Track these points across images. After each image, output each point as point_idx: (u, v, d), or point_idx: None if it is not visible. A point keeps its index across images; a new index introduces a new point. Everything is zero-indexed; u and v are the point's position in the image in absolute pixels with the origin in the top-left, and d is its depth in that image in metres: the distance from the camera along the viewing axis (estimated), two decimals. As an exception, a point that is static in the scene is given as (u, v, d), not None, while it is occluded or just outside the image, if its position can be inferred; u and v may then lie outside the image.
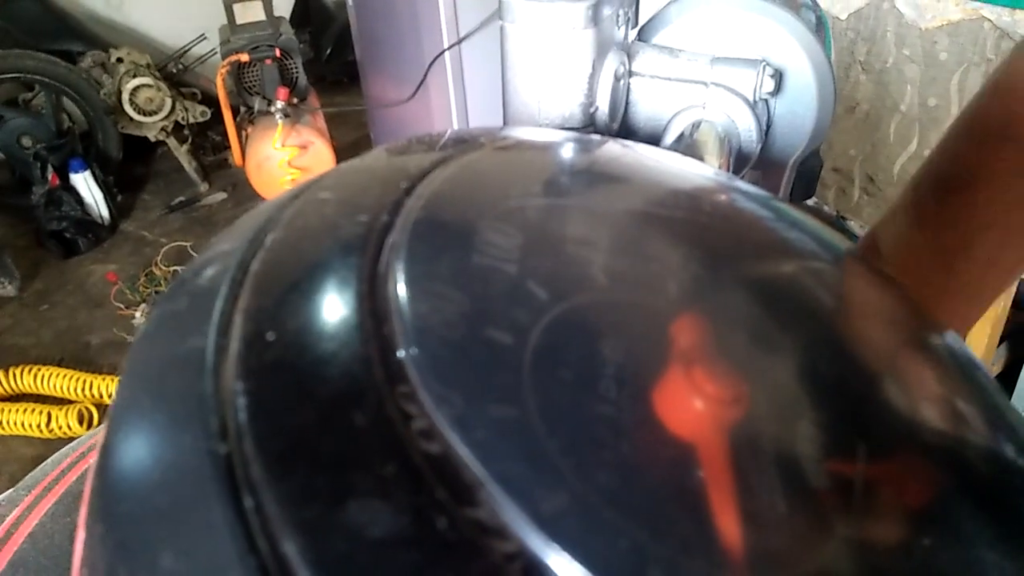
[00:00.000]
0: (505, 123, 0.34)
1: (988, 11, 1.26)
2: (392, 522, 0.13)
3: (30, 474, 0.37)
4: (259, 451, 0.14)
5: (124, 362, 0.18)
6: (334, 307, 0.16)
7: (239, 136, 2.54)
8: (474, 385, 0.15)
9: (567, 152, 0.25)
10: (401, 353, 0.15)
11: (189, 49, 2.79)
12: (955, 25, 1.31)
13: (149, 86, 2.52)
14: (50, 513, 0.32)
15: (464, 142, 0.23)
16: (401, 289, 0.16)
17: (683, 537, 0.14)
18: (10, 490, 0.37)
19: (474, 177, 0.22)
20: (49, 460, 0.37)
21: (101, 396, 1.82)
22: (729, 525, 0.15)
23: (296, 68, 2.53)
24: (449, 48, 2.10)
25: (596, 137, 0.27)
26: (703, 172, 0.25)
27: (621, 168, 0.25)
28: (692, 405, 0.17)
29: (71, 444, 0.38)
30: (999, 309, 1.51)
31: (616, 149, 0.26)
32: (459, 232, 0.19)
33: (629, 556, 0.14)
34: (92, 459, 0.35)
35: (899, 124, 1.45)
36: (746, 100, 0.34)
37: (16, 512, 0.33)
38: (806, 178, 0.41)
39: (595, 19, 0.30)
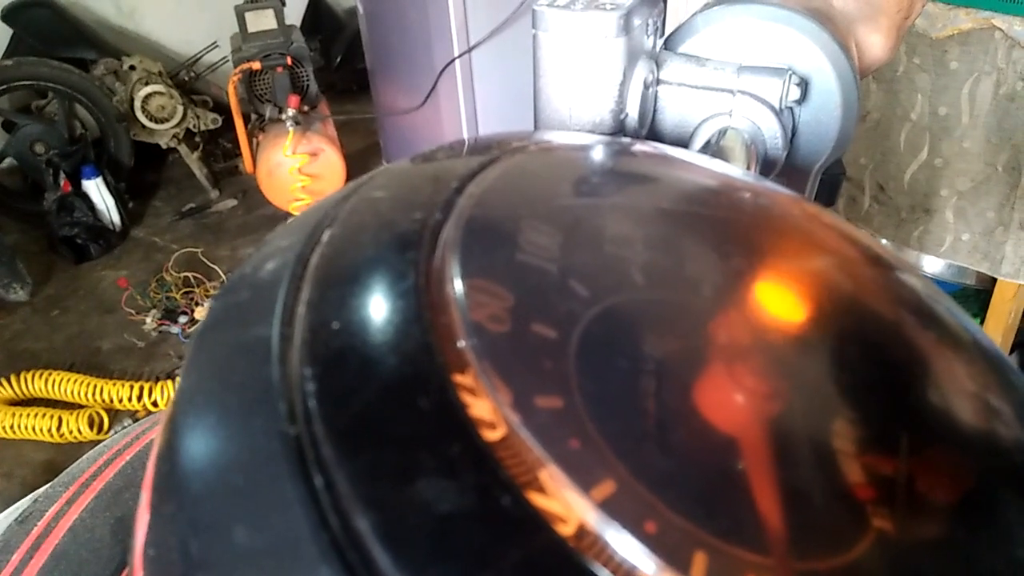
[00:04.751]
0: (536, 129, 0.34)
1: (999, 20, 1.27)
2: (458, 500, 0.14)
3: (66, 470, 0.37)
4: (328, 433, 0.14)
5: (187, 351, 0.18)
6: (394, 299, 0.17)
7: (250, 143, 2.56)
8: (531, 372, 0.16)
9: (609, 154, 0.26)
10: (462, 343, 0.16)
11: (201, 57, 2.81)
12: (966, 34, 1.31)
13: (161, 93, 2.54)
14: (89, 508, 0.33)
15: (508, 144, 0.24)
16: (458, 283, 0.17)
17: (730, 521, 0.15)
18: (46, 486, 0.37)
19: (521, 177, 0.23)
20: (84, 457, 0.38)
21: (111, 401, 1.82)
22: (773, 512, 0.16)
23: (307, 76, 2.55)
24: (459, 56, 2.11)
25: (635, 140, 0.28)
26: (741, 175, 0.26)
27: (663, 169, 0.26)
28: (735, 398, 0.17)
29: (105, 442, 0.39)
30: (1009, 319, 1.52)
31: (656, 151, 0.26)
32: (509, 229, 0.20)
33: (682, 536, 0.14)
34: (129, 455, 0.36)
35: (909, 133, 1.45)
36: (772, 108, 0.35)
37: (55, 507, 0.34)
38: (829, 186, 0.42)
39: (626, 28, 0.31)
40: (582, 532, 0.14)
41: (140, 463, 0.35)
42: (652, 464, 0.15)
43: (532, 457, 0.14)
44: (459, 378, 0.15)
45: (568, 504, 0.14)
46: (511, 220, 0.20)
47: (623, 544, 0.14)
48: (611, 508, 0.14)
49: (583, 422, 0.15)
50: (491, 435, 0.15)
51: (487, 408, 0.15)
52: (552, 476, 0.14)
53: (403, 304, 0.17)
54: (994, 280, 1.50)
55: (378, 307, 0.17)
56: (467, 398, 0.15)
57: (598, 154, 0.26)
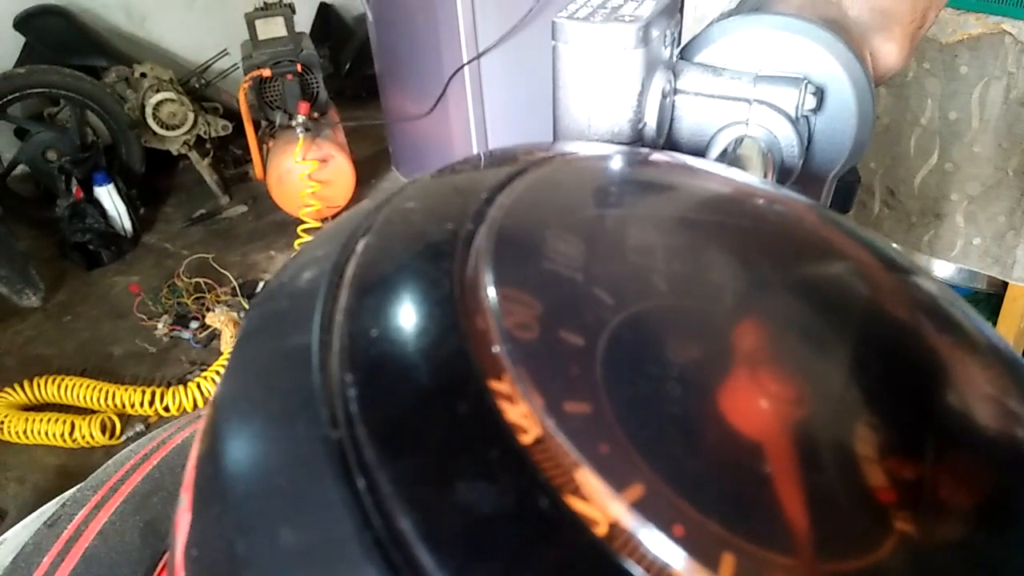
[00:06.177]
0: (554, 139, 0.35)
1: (1009, 25, 1.27)
2: (498, 502, 0.14)
3: (93, 475, 0.38)
4: (371, 437, 0.15)
5: (231, 356, 0.19)
6: (430, 307, 0.17)
7: (260, 150, 2.57)
8: (564, 378, 0.16)
9: (633, 164, 0.26)
10: (496, 349, 0.16)
11: (211, 64, 2.82)
12: (976, 39, 1.31)
13: (172, 101, 2.56)
14: (118, 511, 0.34)
15: (533, 155, 0.24)
16: (491, 291, 0.18)
17: (757, 522, 0.16)
18: (73, 489, 0.38)
19: (548, 187, 0.23)
20: (111, 461, 0.39)
21: (123, 406, 1.83)
22: (798, 514, 0.16)
23: (317, 83, 2.56)
24: (468, 63, 2.12)
25: (656, 150, 0.28)
26: (759, 183, 0.26)
27: (686, 179, 0.26)
28: (759, 403, 0.18)
29: (131, 447, 0.39)
30: (1021, 323, 1.51)
31: (677, 161, 0.27)
32: (539, 239, 0.20)
33: (711, 537, 0.15)
34: (156, 460, 0.37)
35: (919, 137, 1.45)
36: (788, 117, 0.35)
37: (84, 511, 0.34)
38: (844, 193, 0.42)
39: (645, 40, 0.31)
40: (615, 532, 0.14)
41: (167, 468, 0.35)
42: (681, 467, 0.16)
43: (567, 460, 0.15)
44: (495, 384, 0.16)
45: (602, 505, 0.15)
46: (540, 230, 0.21)
47: (656, 543, 0.14)
48: (643, 509, 0.15)
49: (615, 426, 0.16)
50: (526, 439, 0.15)
51: (522, 413, 0.15)
52: (587, 478, 0.15)
53: (439, 312, 0.17)
54: (1005, 284, 1.50)
55: (414, 315, 0.17)
56: (503, 404, 0.16)
57: (622, 164, 0.26)
